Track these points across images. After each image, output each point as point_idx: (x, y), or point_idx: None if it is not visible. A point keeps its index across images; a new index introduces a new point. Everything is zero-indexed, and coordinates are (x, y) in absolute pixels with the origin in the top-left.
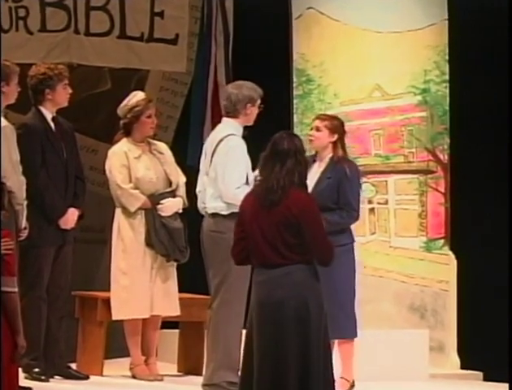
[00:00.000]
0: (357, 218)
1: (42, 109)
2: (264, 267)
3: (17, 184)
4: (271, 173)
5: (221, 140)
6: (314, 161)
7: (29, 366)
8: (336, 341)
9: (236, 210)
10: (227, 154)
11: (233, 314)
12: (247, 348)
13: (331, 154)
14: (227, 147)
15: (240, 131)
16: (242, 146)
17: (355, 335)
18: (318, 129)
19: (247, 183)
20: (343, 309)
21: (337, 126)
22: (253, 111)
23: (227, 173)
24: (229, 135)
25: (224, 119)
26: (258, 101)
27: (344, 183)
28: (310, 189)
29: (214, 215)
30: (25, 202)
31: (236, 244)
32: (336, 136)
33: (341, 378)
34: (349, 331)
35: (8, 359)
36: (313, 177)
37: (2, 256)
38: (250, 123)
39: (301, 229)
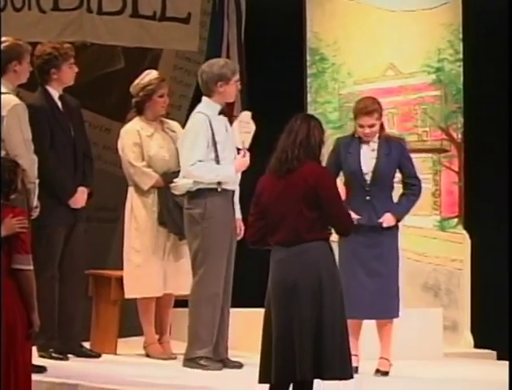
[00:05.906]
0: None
1: (49, 88)
2: (281, 245)
3: (29, 162)
4: (284, 145)
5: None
6: (360, 139)
7: (45, 345)
8: (376, 321)
9: (203, 186)
10: (187, 132)
11: (206, 294)
12: (266, 326)
13: (377, 134)
14: (188, 125)
15: (215, 109)
16: (203, 123)
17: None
18: (371, 126)
19: (217, 160)
20: (397, 291)
21: (381, 110)
22: (227, 89)
23: (184, 149)
24: (196, 113)
25: (202, 98)
26: (234, 78)
27: (405, 156)
28: (370, 169)
29: (186, 193)
30: (37, 181)
31: (252, 225)
32: (381, 119)
33: (382, 358)
34: (397, 311)
35: (23, 337)
36: (367, 157)
37: (17, 234)
38: (230, 100)
39: (318, 201)
